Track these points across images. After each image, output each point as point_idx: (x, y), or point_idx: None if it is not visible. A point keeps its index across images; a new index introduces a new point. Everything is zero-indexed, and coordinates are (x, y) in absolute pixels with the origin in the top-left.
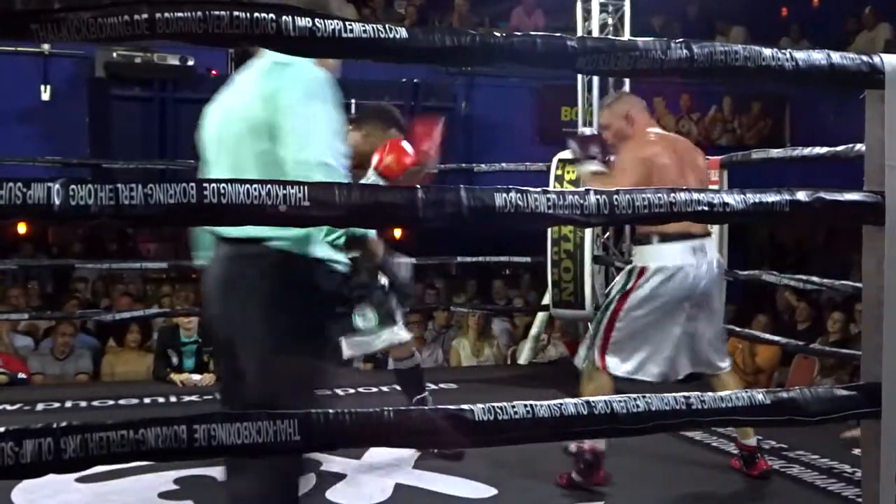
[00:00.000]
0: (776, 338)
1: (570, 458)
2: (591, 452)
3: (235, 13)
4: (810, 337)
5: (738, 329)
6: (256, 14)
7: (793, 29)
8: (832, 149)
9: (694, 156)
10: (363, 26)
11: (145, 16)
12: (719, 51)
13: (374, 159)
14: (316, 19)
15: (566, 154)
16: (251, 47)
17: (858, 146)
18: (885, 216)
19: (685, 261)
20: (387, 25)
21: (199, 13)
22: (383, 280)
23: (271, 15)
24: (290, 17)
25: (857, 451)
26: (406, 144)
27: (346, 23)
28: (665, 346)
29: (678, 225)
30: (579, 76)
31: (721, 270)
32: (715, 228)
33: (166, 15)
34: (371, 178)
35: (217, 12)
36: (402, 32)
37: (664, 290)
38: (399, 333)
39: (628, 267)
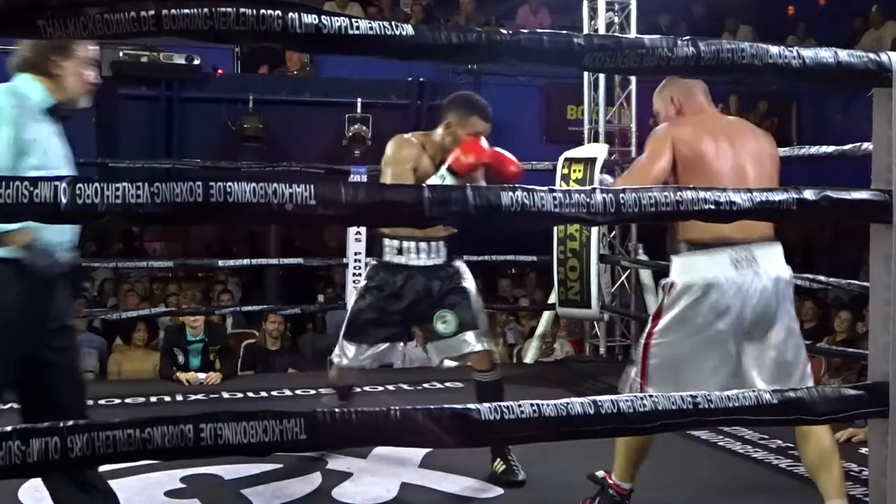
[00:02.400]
0: None
1: (595, 485)
2: (615, 488)
3: (241, 10)
4: (817, 336)
5: None
6: (263, 11)
7: (799, 27)
8: (839, 147)
9: (757, 142)
10: (369, 23)
11: (152, 12)
12: (726, 48)
13: (450, 157)
14: (322, 16)
15: (572, 153)
16: (254, 45)
17: (866, 145)
18: (893, 214)
19: (721, 275)
20: (393, 23)
21: (206, 10)
22: (467, 284)
23: (277, 12)
24: (296, 13)
25: (864, 450)
26: (482, 143)
27: (353, 20)
28: (712, 383)
29: (714, 227)
30: (585, 75)
31: (786, 285)
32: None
33: (173, 11)
34: (440, 175)
35: (223, 9)
36: (409, 30)
37: (696, 311)
38: (472, 342)
39: (663, 281)
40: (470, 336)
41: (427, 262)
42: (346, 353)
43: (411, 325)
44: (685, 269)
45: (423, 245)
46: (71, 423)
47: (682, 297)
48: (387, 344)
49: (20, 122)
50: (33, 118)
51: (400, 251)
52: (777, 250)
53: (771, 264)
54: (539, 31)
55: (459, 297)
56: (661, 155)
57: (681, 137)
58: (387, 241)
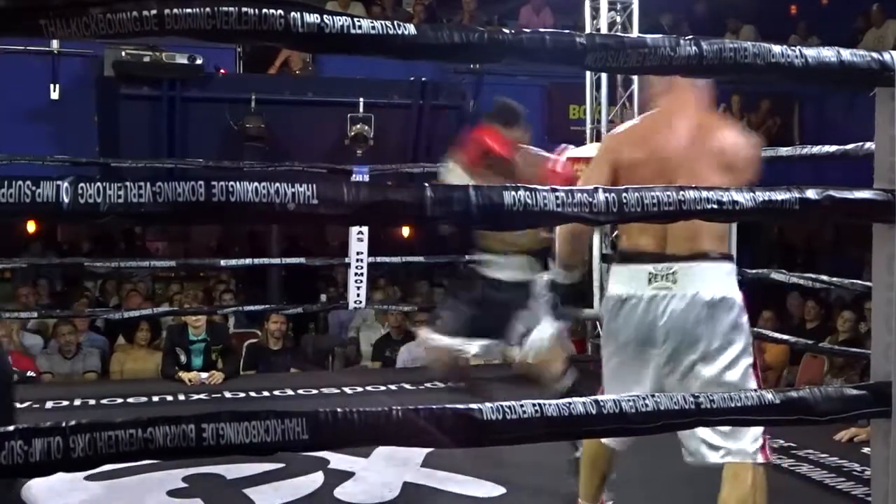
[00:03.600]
0: (785, 336)
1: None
2: None
3: (244, 9)
4: (819, 336)
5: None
6: (265, 10)
7: (801, 27)
8: (841, 147)
9: (706, 145)
10: (372, 23)
11: (154, 11)
12: (728, 48)
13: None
14: (325, 16)
15: (575, 152)
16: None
17: (868, 144)
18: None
19: (633, 291)
20: (395, 22)
21: (208, 9)
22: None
23: (280, 11)
24: (298, 13)
25: (866, 450)
26: (490, 139)
27: (355, 19)
28: None
29: (638, 239)
30: (587, 74)
31: (710, 308)
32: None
33: (175, 10)
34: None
35: (225, 8)
36: (411, 29)
37: (614, 328)
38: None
39: None
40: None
41: (515, 278)
42: (462, 348)
43: (505, 327)
44: (611, 280)
45: (512, 260)
46: (73, 422)
47: (605, 311)
48: (488, 341)
49: None
50: None
51: (490, 264)
52: (708, 269)
53: (692, 284)
54: (541, 30)
55: (534, 308)
56: (592, 178)
57: (616, 150)
58: (481, 255)
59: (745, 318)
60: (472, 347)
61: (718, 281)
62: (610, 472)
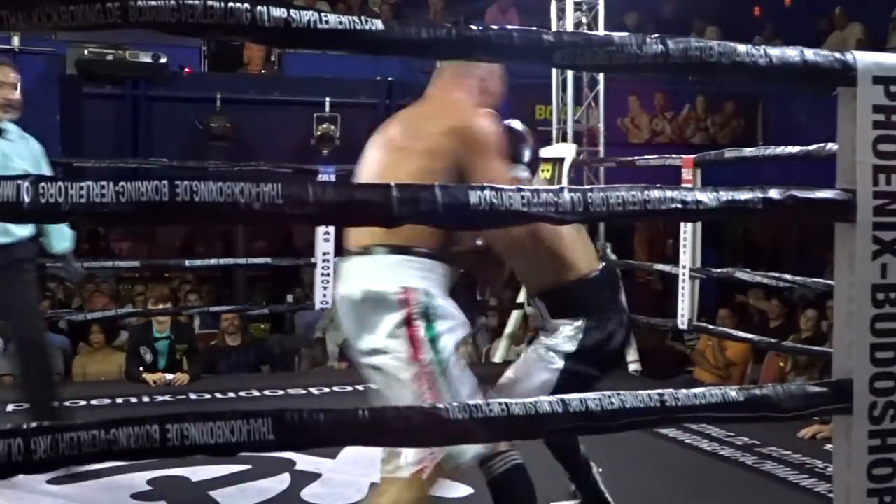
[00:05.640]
0: (748, 335)
1: None
2: None
3: (209, 2)
4: (783, 334)
5: (710, 326)
6: (231, 4)
7: (766, 28)
8: (804, 147)
9: (396, 133)
10: (339, 18)
11: (118, 3)
12: (694, 46)
13: None
14: (291, 10)
15: (541, 152)
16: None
17: (830, 145)
18: (857, 213)
19: (337, 290)
20: (362, 17)
21: (173, 2)
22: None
23: (246, 5)
24: (265, 7)
25: (828, 447)
26: None
27: (322, 14)
28: None
29: (354, 235)
30: (553, 75)
31: (375, 308)
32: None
33: (139, 3)
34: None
35: (191, 1)
36: (378, 24)
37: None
38: None
39: None
40: None
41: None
42: None
43: None
44: None
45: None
46: (35, 424)
47: None
48: None
49: None
50: None
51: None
52: (366, 263)
53: (355, 278)
54: (509, 27)
55: None
56: None
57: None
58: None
59: (404, 316)
60: None
61: (374, 275)
62: None
